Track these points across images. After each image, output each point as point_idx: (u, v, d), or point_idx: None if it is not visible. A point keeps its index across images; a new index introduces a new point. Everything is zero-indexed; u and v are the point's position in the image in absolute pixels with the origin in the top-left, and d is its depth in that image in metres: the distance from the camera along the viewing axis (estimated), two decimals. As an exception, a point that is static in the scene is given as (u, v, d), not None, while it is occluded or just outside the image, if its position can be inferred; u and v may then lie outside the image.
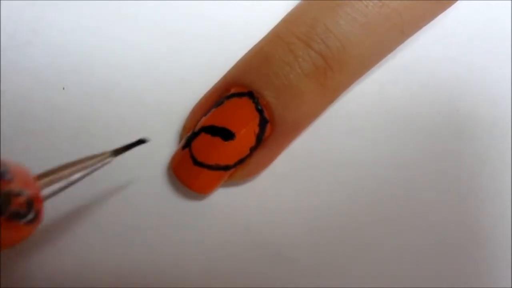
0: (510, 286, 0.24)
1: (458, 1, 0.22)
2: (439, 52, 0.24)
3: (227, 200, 0.22)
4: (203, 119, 0.20)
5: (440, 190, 0.24)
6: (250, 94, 0.20)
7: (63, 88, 0.22)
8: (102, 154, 0.16)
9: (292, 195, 0.23)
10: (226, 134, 0.20)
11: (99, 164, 0.16)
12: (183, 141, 0.21)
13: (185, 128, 0.22)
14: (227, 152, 0.20)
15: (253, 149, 0.20)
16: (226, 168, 0.20)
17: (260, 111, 0.20)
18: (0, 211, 0.11)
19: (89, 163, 0.15)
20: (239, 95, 0.20)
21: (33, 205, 0.12)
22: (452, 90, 0.24)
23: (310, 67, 0.20)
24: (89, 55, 0.22)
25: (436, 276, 0.23)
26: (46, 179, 0.14)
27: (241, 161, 0.20)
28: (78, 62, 0.22)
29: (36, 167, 0.15)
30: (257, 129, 0.20)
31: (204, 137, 0.20)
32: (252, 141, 0.20)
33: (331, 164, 0.23)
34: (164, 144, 0.22)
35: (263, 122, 0.20)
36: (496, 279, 0.24)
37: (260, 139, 0.20)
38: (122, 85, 0.22)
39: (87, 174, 0.15)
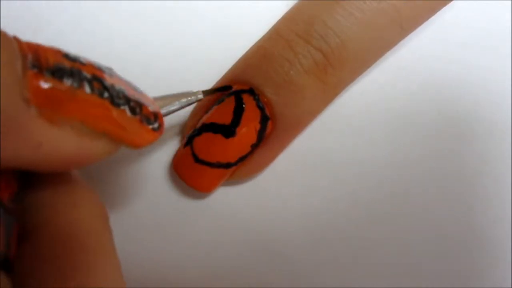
0: (510, 286, 0.23)
1: (459, 1, 0.22)
2: (439, 52, 0.24)
3: (227, 198, 0.22)
4: (205, 116, 0.21)
5: (440, 190, 0.24)
6: (251, 91, 0.20)
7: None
8: (196, 92, 0.19)
9: (292, 194, 0.23)
10: (227, 131, 0.20)
11: (193, 98, 0.18)
12: (185, 139, 0.21)
13: (187, 126, 0.22)
14: (228, 149, 0.20)
15: (254, 146, 0.20)
16: (228, 165, 0.20)
17: (261, 108, 0.20)
18: (135, 112, 0.14)
19: (184, 97, 0.18)
20: (240, 92, 0.20)
21: (157, 117, 0.15)
22: (452, 90, 0.24)
23: (310, 63, 0.20)
24: (89, 55, 0.22)
25: (436, 276, 0.23)
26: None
27: (242, 159, 0.20)
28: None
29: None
30: (258, 126, 0.20)
31: (205, 135, 0.20)
32: (253, 138, 0.20)
33: (331, 164, 0.23)
34: (166, 142, 0.22)
35: (264, 119, 0.20)
36: (496, 279, 0.24)
37: (261, 136, 0.20)
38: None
39: (183, 107, 0.18)
